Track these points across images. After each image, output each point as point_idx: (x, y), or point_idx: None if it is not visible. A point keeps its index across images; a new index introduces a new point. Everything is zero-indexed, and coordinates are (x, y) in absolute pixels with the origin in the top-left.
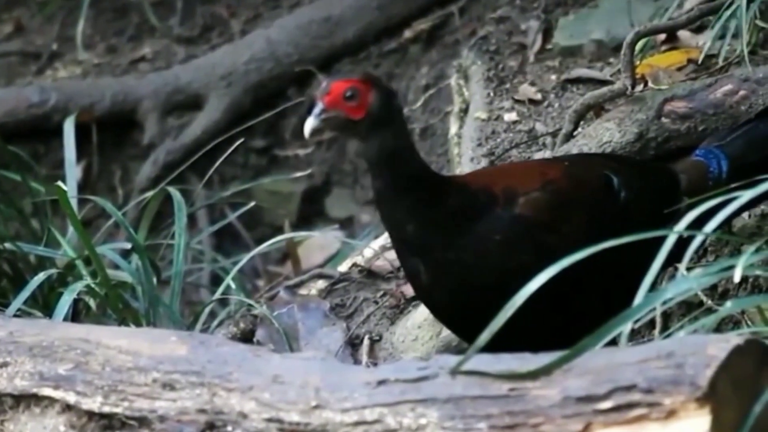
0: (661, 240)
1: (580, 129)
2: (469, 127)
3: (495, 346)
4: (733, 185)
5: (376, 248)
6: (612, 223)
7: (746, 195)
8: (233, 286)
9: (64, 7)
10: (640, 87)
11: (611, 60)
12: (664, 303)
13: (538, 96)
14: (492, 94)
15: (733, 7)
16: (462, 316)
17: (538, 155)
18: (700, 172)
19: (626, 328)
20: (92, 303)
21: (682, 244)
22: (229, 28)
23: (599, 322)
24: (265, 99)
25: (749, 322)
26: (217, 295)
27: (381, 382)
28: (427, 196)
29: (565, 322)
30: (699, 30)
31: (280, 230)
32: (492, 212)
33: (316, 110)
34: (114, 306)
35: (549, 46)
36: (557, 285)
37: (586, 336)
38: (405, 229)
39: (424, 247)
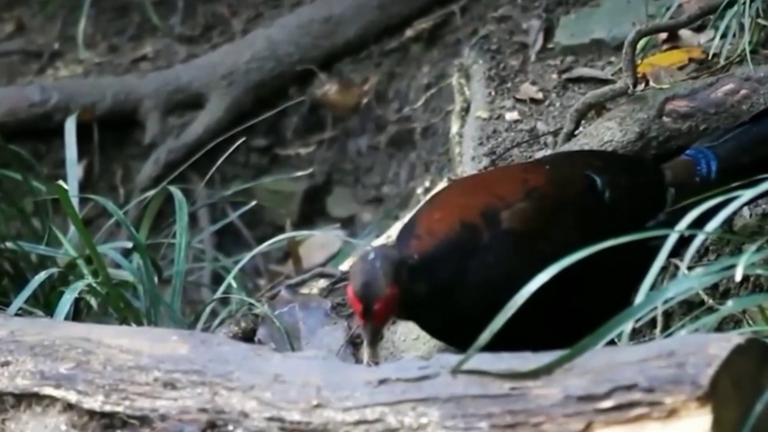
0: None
1: (581, 128)
2: (471, 126)
3: (494, 348)
4: (722, 188)
5: None
6: (600, 223)
7: (746, 195)
8: (234, 285)
9: (66, 6)
10: (641, 86)
11: (613, 59)
12: (666, 302)
13: (540, 95)
14: (493, 93)
15: (735, 6)
16: (468, 336)
17: (539, 154)
18: (687, 168)
19: (627, 327)
20: (93, 302)
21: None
22: (230, 27)
23: (597, 322)
24: (266, 98)
25: (750, 321)
26: (219, 294)
27: (382, 381)
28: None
29: (562, 324)
30: (700, 29)
31: (281, 229)
32: (479, 244)
33: (369, 337)
34: (115, 305)
35: (550, 45)
36: (553, 288)
37: (585, 336)
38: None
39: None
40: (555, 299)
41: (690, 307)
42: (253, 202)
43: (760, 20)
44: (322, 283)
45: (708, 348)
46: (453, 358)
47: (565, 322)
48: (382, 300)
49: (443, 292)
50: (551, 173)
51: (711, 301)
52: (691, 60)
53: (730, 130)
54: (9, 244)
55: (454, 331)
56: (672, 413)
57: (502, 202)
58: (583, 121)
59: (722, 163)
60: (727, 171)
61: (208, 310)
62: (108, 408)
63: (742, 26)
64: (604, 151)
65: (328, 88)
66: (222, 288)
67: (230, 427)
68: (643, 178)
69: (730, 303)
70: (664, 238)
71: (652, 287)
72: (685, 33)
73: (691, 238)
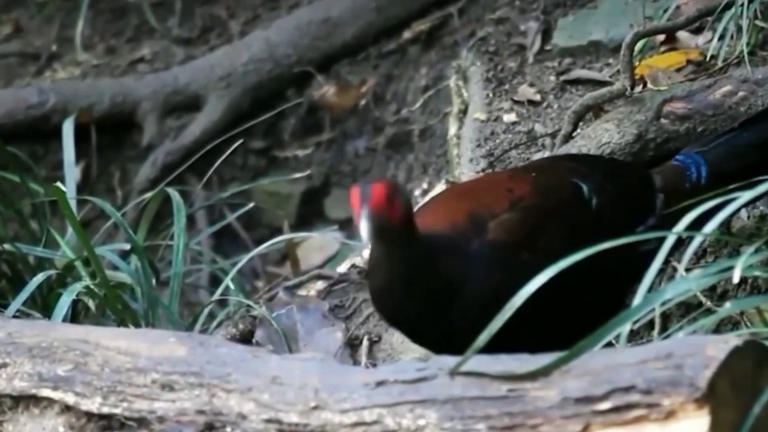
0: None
1: (579, 130)
2: (468, 128)
3: (489, 351)
4: (716, 192)
5: None
6: (587, 230)
7: (744, 197)
8: (232, 286)
9: (63, 8)
10: (639, 88)
11: (610, 61)
12: (663, 304)
13: (538, 97)
14: (491, 95)
15: (733, 7)
16: (456, 344)
17: (537, 156)
18: (677, 174)
19: (625, 328)
20: (91, 304)
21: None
22: (227, 29)
23: (587, 326)
24: (264, 100)
25: (748, 323)
26: (216, 296)
27: (380, 383)
28: (429, 280)
29: (552, 329)
30: (698, 31)
31: (279, 231)
32: (466, 247)
33: (367, 220)
34: (113, 307)
35: (548, 47)
36: (545, 292)
37: (577, 339)
38: (408, 316)
39: (419, 317)
40: (547, 304)
41: (688, 308)
42: (251, 204)
43: (758, 22)
44: (320, 284)
45: (706, 350)
46: (451, 360)
47: (555, 326)
48: (381, 188)
49: (444, 279)
50: (537, 182)
51: (709, 303)
52: (689, 62)
53: (720, 135)
54: (7, 246)
55: (444, 340)
56: (670, 415)
57: (488, 211)
58: (581, 123)
59: (712, 169)
60: (717, 176)
61: (206, 311)
62: (106, 410)
63: (740, 28)
64: (592, 156)
65: (325, 89)
66: (220, 290)
67: (228, 429)
68: (631, 182)
69: (728, 305)
70: (656, 241)
71: (650, 289)
72: (682, 35)
73: (686, 241)
